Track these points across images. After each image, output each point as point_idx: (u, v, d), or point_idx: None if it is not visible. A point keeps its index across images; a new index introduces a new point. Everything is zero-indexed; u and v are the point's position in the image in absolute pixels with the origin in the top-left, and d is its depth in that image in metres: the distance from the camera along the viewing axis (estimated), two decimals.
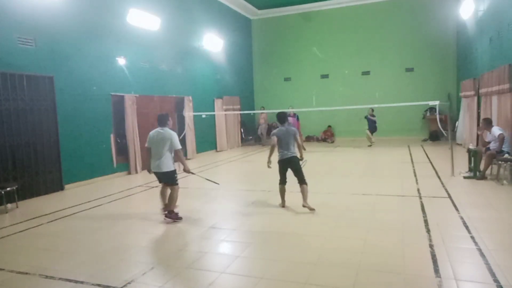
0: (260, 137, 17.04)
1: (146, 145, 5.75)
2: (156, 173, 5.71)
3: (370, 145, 14.29)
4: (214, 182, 6.58)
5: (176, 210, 5.73)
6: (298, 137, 6.19)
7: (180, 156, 5.67)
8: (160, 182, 5.90)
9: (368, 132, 14.46)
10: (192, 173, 6.07)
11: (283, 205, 6.25)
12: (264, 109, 16.64)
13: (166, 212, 5.68)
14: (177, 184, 5.74)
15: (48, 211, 6.47)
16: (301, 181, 6.05)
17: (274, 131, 6.18)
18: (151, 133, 5.73)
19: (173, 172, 5.67)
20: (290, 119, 13.49)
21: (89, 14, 9.05)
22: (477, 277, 3.48)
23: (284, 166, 6.08)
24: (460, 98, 13.36)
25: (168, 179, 5.71)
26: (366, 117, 14.51)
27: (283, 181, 6.17)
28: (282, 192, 6.22)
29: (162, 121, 5.67)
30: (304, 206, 5.93)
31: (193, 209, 6.40)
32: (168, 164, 5.57)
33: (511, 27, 8.17)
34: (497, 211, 5.43)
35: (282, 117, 6.19)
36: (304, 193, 6.02)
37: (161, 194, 5.96)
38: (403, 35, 16.27)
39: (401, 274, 3.56)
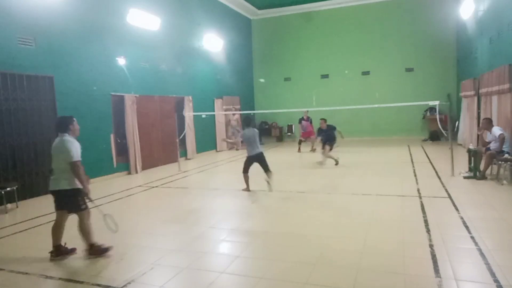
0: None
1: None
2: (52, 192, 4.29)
3: (321, 163, 10.25)
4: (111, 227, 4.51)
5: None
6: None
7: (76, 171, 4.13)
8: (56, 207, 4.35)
9: (325, 148, 10.19)
10: (90, 200, 4.35)
11: (248, 189, 7.39)
12: (234, 110, 15.42)
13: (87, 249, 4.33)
14: (85, 208, 4.29)
15: (48, 211, 6.45)
16: (267, 169, 7.25)
17: (243, 131, 7.40)
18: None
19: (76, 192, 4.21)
20: (304, 123, 13.46)
21: (89, 14, 9.05)
22: (477, 277, 3.48)
23: (251, 161, 7.32)
24: (461, 98, 13.36)
25: (67, 202, 4.27)
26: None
27: (246, 171, 7.38)
28: (247, 178, 7.42)
29: (60, 127, 4.29)
30: (266, 180, 7.17)
31: (193, 209, 6.40)
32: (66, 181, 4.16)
33: (511, 27, 8.17)
34: (497, 211, 5.42)
35: (246, 121, 7.60)
36: (269, 176, 7.22)
37: (53, 229, 4.37)
38: (403, 35, 16.27)
39: (401, 274, 3.56)
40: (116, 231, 4.49)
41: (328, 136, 10.30)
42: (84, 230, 4.28)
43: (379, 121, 16.47)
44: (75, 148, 4.17)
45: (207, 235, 5.01)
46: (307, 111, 13.58)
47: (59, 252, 4.32)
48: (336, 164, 10.07)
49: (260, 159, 7.25)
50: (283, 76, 18.34)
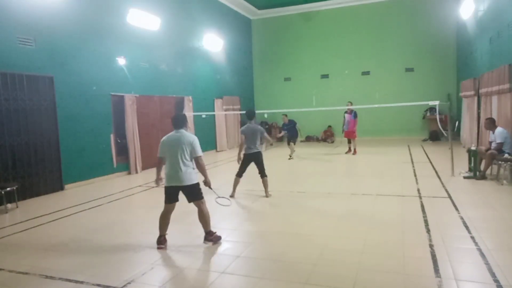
0: None
1: (158, 155, 4.69)
2: (176, 188, 4.56)
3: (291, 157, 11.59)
4: (225, 200, 5.52)
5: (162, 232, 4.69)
6: (265, 135, 6.98)
7: (201, 164, 4.61)
8: (169, 200, 4.65)
9: (290, 145, 11.75)
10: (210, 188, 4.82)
11: (232, 195, 6.84)
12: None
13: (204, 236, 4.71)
14: (203, 198, 4.74)
15: (48, 211, 6.47)
16: (262, 174, 6.81)
17: (242, 128, 6.81)
18: (164, 138, 4.74)
19: (198, 185, 4.64)
20: (347, 116, 12.20)
21: (89, 14, 9.04)
22: (477, 277, 3.48)
23: (247, 160, 6.80)
24: (461, 98, 13.36)
25: (192, 194, 4.66)
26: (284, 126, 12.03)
27: (240, 174, 6.89)
28: (236, 183, 6.92)
29: (177, 123, 4.69)
30: (266, 196, 6.79)
31: (193, 209, 6.39)
32: (192, 175, 4.56)
33: (511, 27, 8.17)
34: (497, 211, 5.42)
35: (249, 114, 6.88)
36: (264, 185, 6.84)
37: (162, 219, 4.65)
38: (403, 35, 16.28)
39: (401, 274, 3.56)
40: (230, 204, 5.57)
41: (290, 132, 11.74)
42: (205, 217, 4.67)
43: (379, 121, 16.46)
44: (198, 143, 4.58)
45: None
46: (351, 103, 12.00)
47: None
48: (290, 158, 11.37)
49: (256, 159, 6.75)
50: (283, 76, 18.34)
